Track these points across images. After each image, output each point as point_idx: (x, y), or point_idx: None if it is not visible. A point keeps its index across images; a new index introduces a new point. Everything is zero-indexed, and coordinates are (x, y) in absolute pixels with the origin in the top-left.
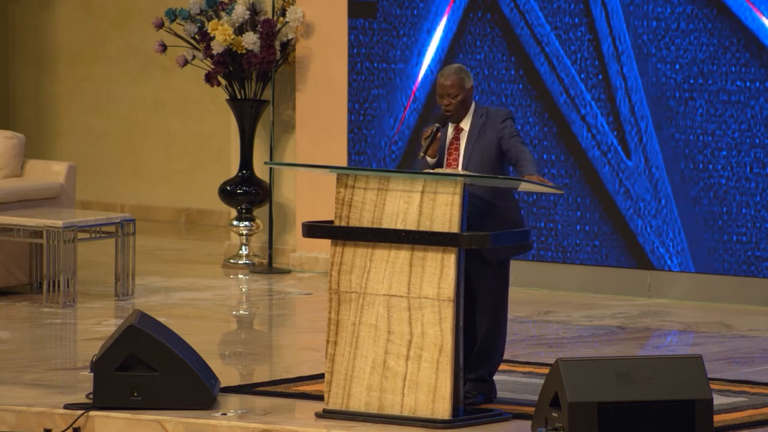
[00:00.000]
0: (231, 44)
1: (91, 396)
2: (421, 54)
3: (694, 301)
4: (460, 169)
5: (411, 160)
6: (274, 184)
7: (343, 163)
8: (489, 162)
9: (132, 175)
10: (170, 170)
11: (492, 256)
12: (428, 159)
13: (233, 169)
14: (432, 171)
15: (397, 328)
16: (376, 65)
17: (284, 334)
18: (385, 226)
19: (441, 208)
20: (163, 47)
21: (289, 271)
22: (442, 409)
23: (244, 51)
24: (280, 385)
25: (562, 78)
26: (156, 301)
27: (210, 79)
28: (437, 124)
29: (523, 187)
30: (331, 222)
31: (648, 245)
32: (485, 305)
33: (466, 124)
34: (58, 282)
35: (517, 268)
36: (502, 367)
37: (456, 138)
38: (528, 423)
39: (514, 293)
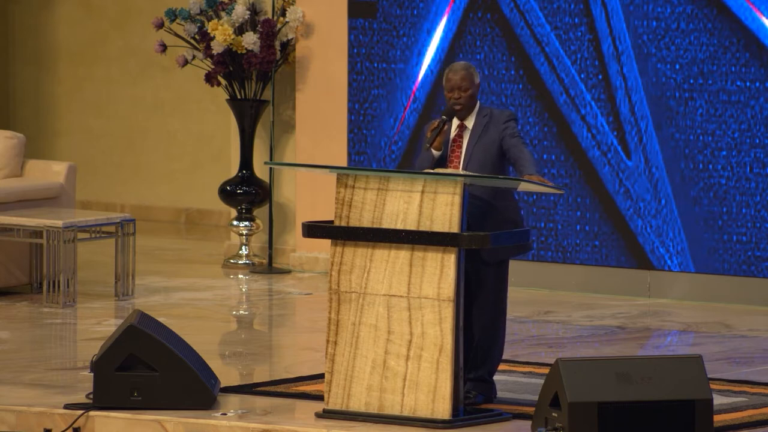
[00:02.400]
0: (231, 44)
1: (91, 396)
2: (421, 54)
3: (694, 301)
4: (461, 167)
5: (411, 160)
6: (274, 184)
7: (343, 163)
8: (490, 161)
9: (132, 175)
10: (170, 170)
11: (491, 256)
12: (433, 152)
13: (233, 169)
14: (432, 171)
15: (397, 328)
16: (376, 65)
17: (284, 334)
18: (385, 226)
19: (441, 208)
20: (163, 47)
21: (289, 271)
22: (442, 409)
23: (244, 51)
24: (280, 385)
25: (562, 78)
26: (156, 301)
27: (210, 79)
28: (444, 117)
29: (523, 187)
30: (331, 222)
31: (648, 245)
32: (484, 305)
33: (469, 122)
34: (58, 282)
35: (517, 268)
36: (502, 367)
37: (459, 135)
38: (528, 423)
39: (514, 293)
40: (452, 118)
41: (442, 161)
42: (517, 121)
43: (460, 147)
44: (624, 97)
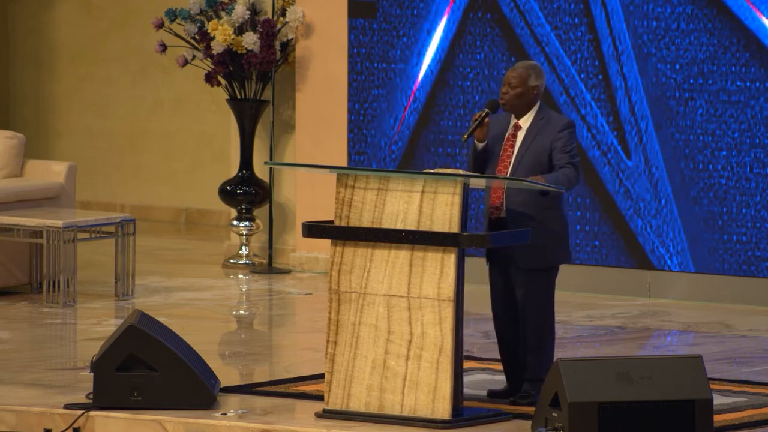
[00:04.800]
0: (231, 44)
1: (91, 396)
2: (421, 54)
3: (694, 301)
4: (510, 168)
5: (411, 160)
6: (274, 184)
7: (343, 163)
8: (539, 166)
9: (132, 175)
10: (170, 170)
11: (526, 263)
12: (477, 143)
13: (233, 169)
14: (432, 171)
15: (397, 328)
16: (376, 65)
17: (284, 334)
18: (385, 226)
19: (441, 208)
20: (163, 47)
21: (289, 271)
22: (442, 409)
23: (244, 51)
24: (280, 385)
25: (562, 78)
26: (156, 301)
27: (210, 79)
28: (486, 110)
29: (523, 187)
30: (331, 222)
31: (648, 245)
32: (534, 308)
33: (525, 123)
34: (58, 282)
35: None
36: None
37: (513, 135)
38: (528, 423)
39: None
40: (494, 111)
41: (493, 157)
42: (574, 130)
43: (512, 147)
44: (624, 97)
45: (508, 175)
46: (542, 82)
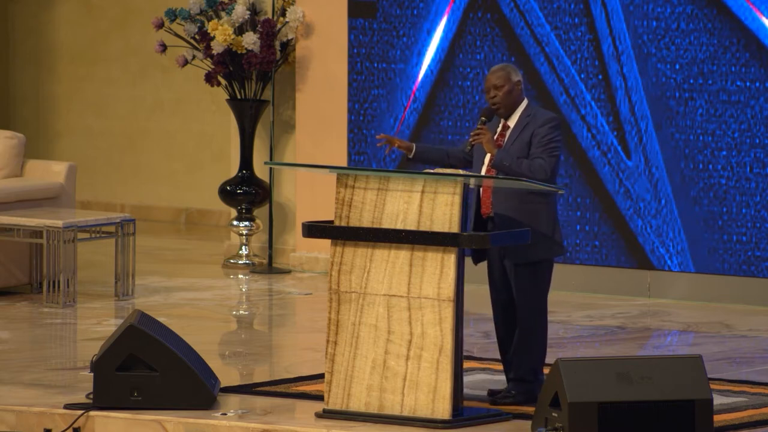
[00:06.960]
0: (231, 44)
1: (91, 396)
2: (421, 54)
3: (694, 301)
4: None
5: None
6: (274, 184)
7: (343, 163)
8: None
9: (132, 175)
10: (170, 170)
11: (515, 257)
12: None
13: (233, 169)
14: (432, 171)
15: (397, 328)
16: (376, 65)
17: (284, 334)
18: (385, 226)
19: (441, 208)
20: (163, 47)
21: (289, 271)
22: (442, 409)
23: (244, 51)
24: (280, 385)
25: (562, 78)
26: (156, 301)
27: (210, 79)
28: (483, 118)
29: (522, 186)
30: (331, 222)
31: (648, 245)
32: (520, 305)
33: (512, 122)
34: (58, 282)
35: None
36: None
37: (501, 135)
38: (528, 423)
39: None
40: (491, 118)
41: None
42: (557, 126)
43: (501, 146)
44: (624, 97)
45: (494, 173)
46: (521, 78)
